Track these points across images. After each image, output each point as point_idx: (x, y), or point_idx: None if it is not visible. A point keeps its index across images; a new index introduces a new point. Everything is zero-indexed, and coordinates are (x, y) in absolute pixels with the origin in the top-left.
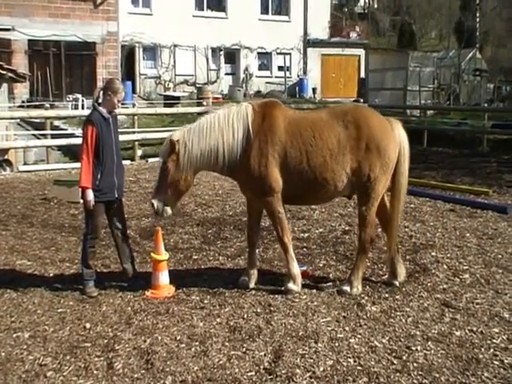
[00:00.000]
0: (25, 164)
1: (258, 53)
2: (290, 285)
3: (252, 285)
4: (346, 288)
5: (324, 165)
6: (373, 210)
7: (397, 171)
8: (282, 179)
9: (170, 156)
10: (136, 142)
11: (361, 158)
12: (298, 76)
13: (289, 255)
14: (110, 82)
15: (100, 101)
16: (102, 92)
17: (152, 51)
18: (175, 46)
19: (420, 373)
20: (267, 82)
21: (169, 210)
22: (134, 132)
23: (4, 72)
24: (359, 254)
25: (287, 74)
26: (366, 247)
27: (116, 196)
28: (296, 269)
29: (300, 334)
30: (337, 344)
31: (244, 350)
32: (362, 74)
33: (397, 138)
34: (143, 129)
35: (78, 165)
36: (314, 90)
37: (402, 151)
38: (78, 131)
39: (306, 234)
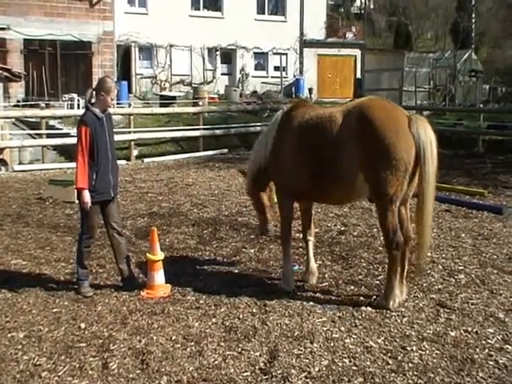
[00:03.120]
0: (20, 163)
1: (255, 53)
2: (281, 284)
3: (314, 281)
4: (383, 302)
5: (325, 160)
6: (389, 215)
7: (419, 175)
8: (293, 174)
9: None
10: (132, 142)
11: (364, 155)
12: (294, 76)
13: (286, 254)
14: (102, 82)
15: (93, 101)
16: (94, 92)
17: (148, 51)
18: (171, 45)
19: (415, 373)
20: (263, 82)
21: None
22: (129, 132)
23: None
24: (389, 264)
25: (283, 74)
26: (394, 254)
27: (112, 195)
28: (290, 270)
29: (295, 334)
30: (332, 344)
31: (239, 350)
32: (358, 75)
33: (411, 137)
34: (139, 129)
35: (73, 164)
36: (310, 90)
37: (422, 152)
38: (74, 131)
39: (302, 234)
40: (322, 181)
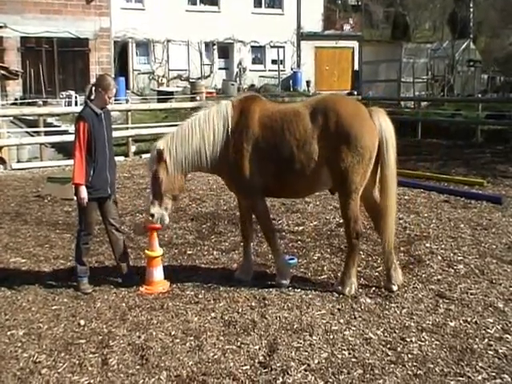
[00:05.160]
0: (18, 161)
1: (252, 46)
2: (278, 278)
3: (248, 279)
4: (339, 287)
5: (292, 156)
6: (353, 204)
7: (381, 163)
8: (259, 172)
9: (158, 165)
10: (130, 138)
11: (330, 146)
12: (292, 69)
13: (275, 249)
14: (101, 79)
15: (92, 97)
16: (93, 88)
17: (145, 47)
18: (168, 41)
19: (414, 364)
20: (261, 76)
21: (167, 217)
22: (127, 128)
23: None
24: (348, 251)
25: (281, 67)
26: (354, 243)
27: (109, 192)
28: (283, 262)
29: (295, 327)
30: (331, 336)
31: (239, 343)
32: (356, 67)
33: (375, 127)
34: (137, 124)
35: (71, 162)
36: (307, 83)
37: (384, 141)
38: (72, 128)
39: (301, 227)
40: (286, 176)
